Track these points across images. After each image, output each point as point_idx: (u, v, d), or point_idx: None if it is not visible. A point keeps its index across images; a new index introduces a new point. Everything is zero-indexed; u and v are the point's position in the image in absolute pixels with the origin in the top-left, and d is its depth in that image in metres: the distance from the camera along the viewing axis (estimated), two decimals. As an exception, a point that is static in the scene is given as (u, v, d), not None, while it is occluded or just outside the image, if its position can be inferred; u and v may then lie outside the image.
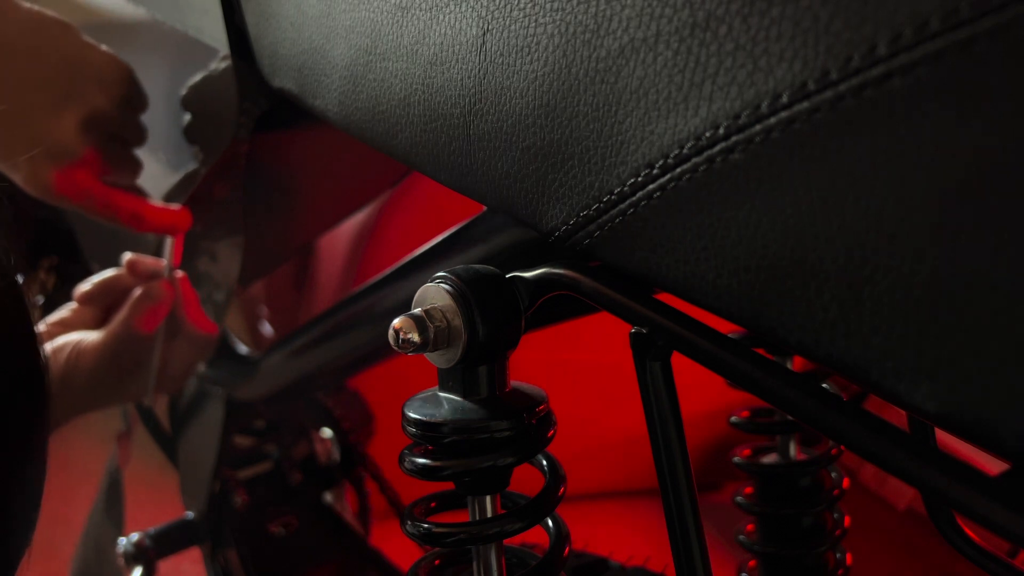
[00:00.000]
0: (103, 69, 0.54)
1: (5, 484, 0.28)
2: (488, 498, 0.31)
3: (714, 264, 0.23)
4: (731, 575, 0.45)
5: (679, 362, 0.26)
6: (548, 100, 0.27)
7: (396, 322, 0.29)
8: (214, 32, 0.52)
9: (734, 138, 0.21)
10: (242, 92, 0.52)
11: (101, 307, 0.61)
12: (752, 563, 0.44)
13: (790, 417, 0.31)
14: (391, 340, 0.29)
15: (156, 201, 0.61)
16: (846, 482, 0.43)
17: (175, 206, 0.61)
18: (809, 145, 0.20)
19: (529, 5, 0.27)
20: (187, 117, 0.61)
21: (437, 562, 0.34)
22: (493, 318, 0.29)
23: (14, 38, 0.50)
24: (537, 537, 0.34)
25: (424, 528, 0.30)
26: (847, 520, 0.43)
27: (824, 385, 0.40)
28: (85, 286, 0.61)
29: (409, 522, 0.31)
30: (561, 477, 0.32)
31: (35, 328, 0.30)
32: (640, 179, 0.24)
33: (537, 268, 0.30)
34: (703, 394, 0.60)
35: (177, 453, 0.89)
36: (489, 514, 0.31)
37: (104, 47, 0.54)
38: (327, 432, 0.87)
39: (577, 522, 0.35)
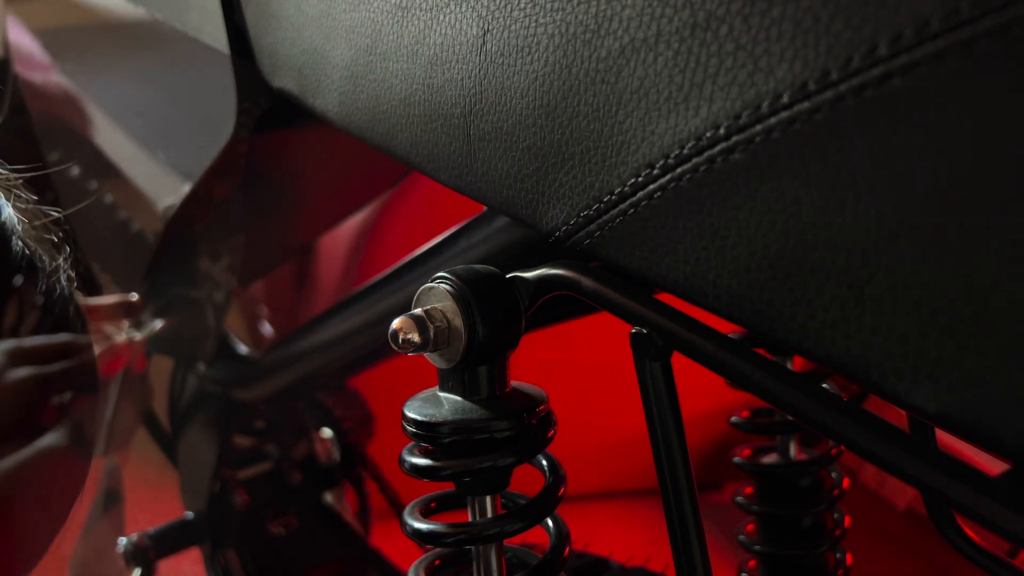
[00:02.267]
0: None
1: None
2: (488, 498, 0.31)
3: (714, 264, 0.23)
4: (731, 575, 0.45)
5: (679, 362, 0.26)
6: (548, 100, 0.27)
7: (396, 322, 0.29)
8: (214, 32, 0.52)
9: (735, 138, 0.21)
10: (242, 92, 0.52)
11: None
12: (752, 563, 0.44)
13: (790, 417, 0.31)
14: (391, 340, 0.29)
15: (101, 300, 0.70)
16: (846, 482, 0.43)
17: (131, 297, 0.70)
18: (809, 145, 0.20)
19: (529, 5, 0.27)
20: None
21: (437, 562, 0.34)
22: (493, 318, 0.29)
23: None
24: (537, 537, 0.34)
25: (424, 528, 0.30)
26: (847, 520, 0.43)
27: (824, 385, 0.40)
28: None
29: (409, 522, 0.31)
30: (561, 477, 0.32)
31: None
32: (640, 179, 0.24)
33: (537, 268, 0.30)
34: (703, 394, 0.59)
35: (177, 453, 0.89)
36: (489, 514, 0.31)
37: None
38: (327, 432, 0.87)
39: (577, 522, 0.35)
